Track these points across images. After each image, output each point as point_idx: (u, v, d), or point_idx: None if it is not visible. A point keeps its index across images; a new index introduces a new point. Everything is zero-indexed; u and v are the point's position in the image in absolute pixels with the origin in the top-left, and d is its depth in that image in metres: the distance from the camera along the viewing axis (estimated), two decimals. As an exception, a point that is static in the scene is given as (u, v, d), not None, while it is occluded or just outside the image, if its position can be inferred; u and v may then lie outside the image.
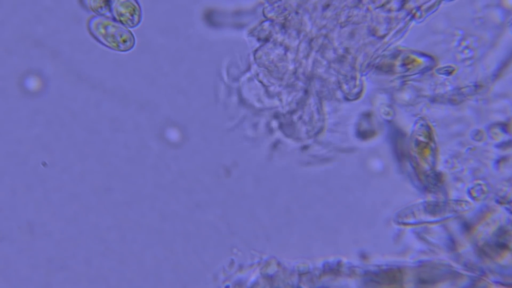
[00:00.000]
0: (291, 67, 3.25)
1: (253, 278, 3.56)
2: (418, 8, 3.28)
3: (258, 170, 3.58)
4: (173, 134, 3.59)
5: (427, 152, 3.47)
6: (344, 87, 3.27)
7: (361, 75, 3.38)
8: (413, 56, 3.45)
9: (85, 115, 3.58)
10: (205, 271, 3.59)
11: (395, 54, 3.46)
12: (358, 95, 3.40)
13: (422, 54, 3.48)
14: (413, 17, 3.31)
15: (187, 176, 3.59)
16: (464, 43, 3.50)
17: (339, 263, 3.54)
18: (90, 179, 3.59)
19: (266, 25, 3.30)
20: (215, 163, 3.59)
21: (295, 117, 3.29)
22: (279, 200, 3.59)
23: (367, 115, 3.50)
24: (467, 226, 3.51)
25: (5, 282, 3.59)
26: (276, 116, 3.42)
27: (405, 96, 3.48)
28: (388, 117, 3.50)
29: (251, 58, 3.36)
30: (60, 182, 3.59)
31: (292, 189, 3.58)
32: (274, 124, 3.37)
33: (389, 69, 3.46)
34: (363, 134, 3.47)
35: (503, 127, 3.51)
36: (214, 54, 3.54)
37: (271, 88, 3.29)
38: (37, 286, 3.59)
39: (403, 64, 3.46)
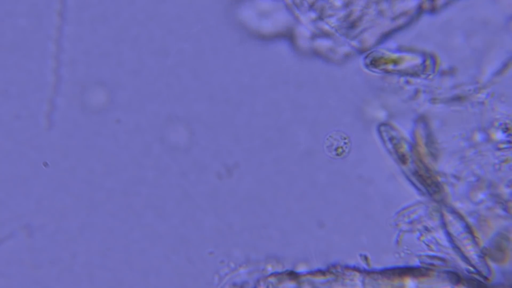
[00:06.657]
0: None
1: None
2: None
3: (259, 171, 3.59)
4: (173, 136, 3.61)
5: (422, 151, 3.46)
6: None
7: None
8: (381, 56, 3.47)
9: (86, 117, 3.63)
10: (206, 272, 3.59)
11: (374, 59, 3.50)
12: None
13: (418, 53, 3.49)
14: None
15: (188, 177, 3.61)
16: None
17: (340, 265, 3.53)
18: (91, 180, 3.62)
19: None
20: (216, 163, 3.60)
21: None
22: (281, 201, 3.59)
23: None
24: (468, 228, 3.48)
25: (5, 282, 3.62)
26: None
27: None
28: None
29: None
30: (61, 183, 3.62)
31: (294, 191, 3.58)
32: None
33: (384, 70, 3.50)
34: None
35: (505, 128, 3.49)
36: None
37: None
38: (37, 286, 3.62)
39: (373, 65, 3.48)
